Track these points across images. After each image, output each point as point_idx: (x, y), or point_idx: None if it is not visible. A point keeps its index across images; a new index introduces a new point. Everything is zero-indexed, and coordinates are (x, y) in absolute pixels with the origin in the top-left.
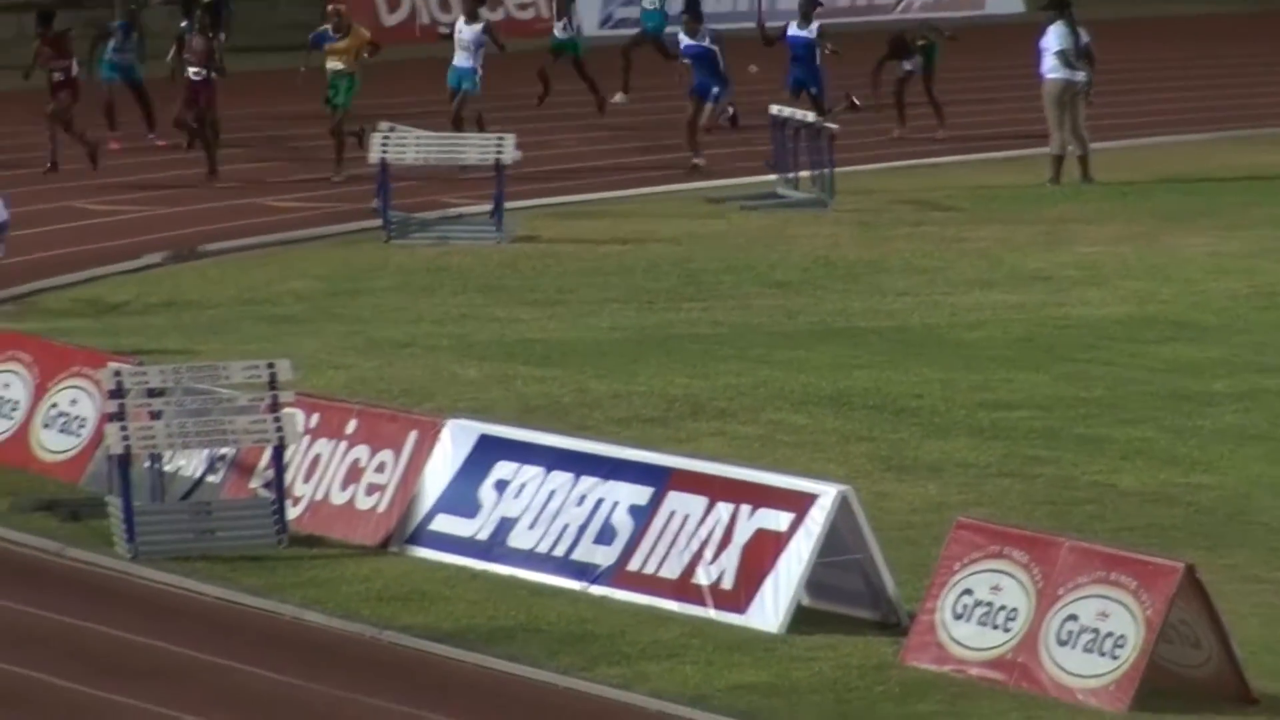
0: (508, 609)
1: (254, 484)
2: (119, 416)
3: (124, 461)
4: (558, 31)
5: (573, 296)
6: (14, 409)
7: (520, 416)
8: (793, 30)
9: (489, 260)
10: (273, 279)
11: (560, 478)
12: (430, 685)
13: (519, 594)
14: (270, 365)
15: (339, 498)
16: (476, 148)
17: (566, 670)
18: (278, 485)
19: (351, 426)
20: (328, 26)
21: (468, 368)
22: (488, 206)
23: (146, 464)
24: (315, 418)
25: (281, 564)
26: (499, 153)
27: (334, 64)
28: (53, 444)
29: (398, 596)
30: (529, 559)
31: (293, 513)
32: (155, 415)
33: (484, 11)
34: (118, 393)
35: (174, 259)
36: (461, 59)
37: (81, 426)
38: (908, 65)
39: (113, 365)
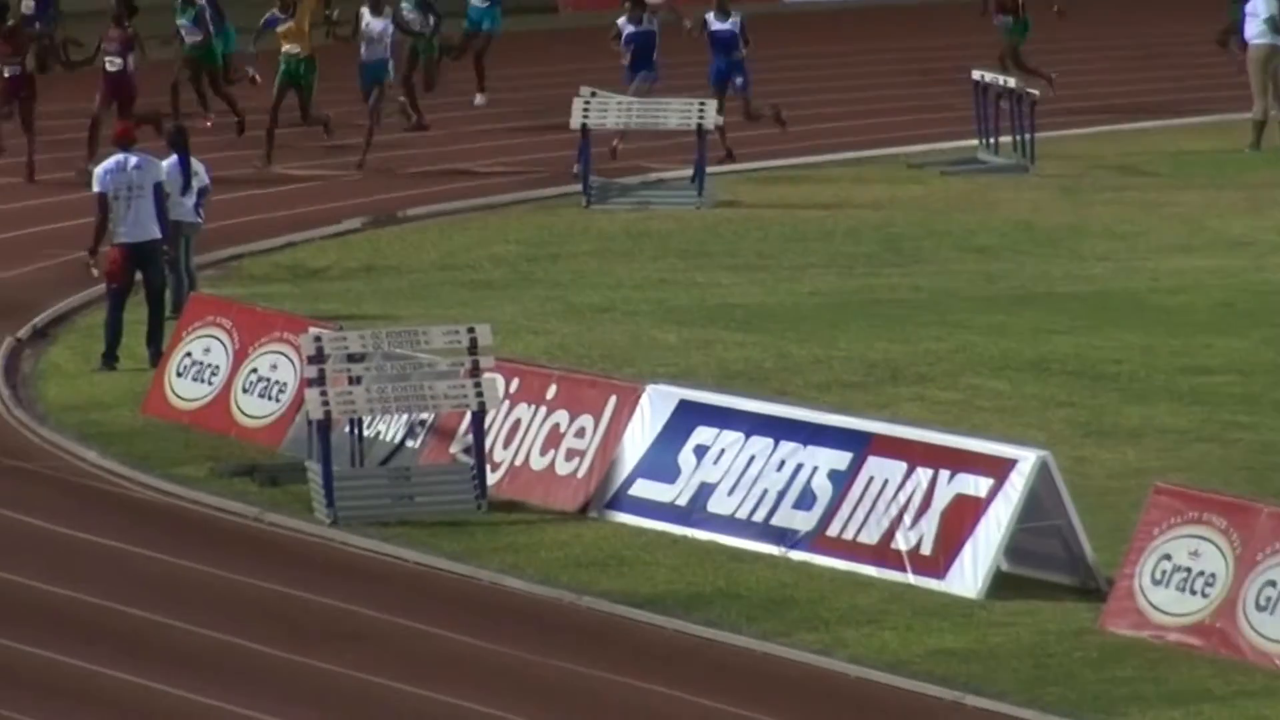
0: (706, 574)
1: (453, 449)
2: (319, 381)
3: (324, 426)
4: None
5: (773, 262)
6: (215, 374)
7: (720, 381)
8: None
9: (689, 225)
10: (472, 244)
11: (760, 443)
12: (628, 650)
13: (718, 559)
14: (470, 330)
15: (538, 463)
16: (678, 113)
17: (765, 636)
18: (477, 450)
19: (551, 391)
20: (274, 10)
21: (667, 333)
22: (688, 171)
23: (346, 429)
24: (515, 383)
25: (480, 529)
26: (700, 118)
27: (289, 47)
28: (253, 409)
29: (596, 562)
30: (728, 524)
31: (492, 478)
32: (355, 380)
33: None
34: (318, 358)
35: (374, 224)
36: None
37: (281, 392)
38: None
39: (313, 330)
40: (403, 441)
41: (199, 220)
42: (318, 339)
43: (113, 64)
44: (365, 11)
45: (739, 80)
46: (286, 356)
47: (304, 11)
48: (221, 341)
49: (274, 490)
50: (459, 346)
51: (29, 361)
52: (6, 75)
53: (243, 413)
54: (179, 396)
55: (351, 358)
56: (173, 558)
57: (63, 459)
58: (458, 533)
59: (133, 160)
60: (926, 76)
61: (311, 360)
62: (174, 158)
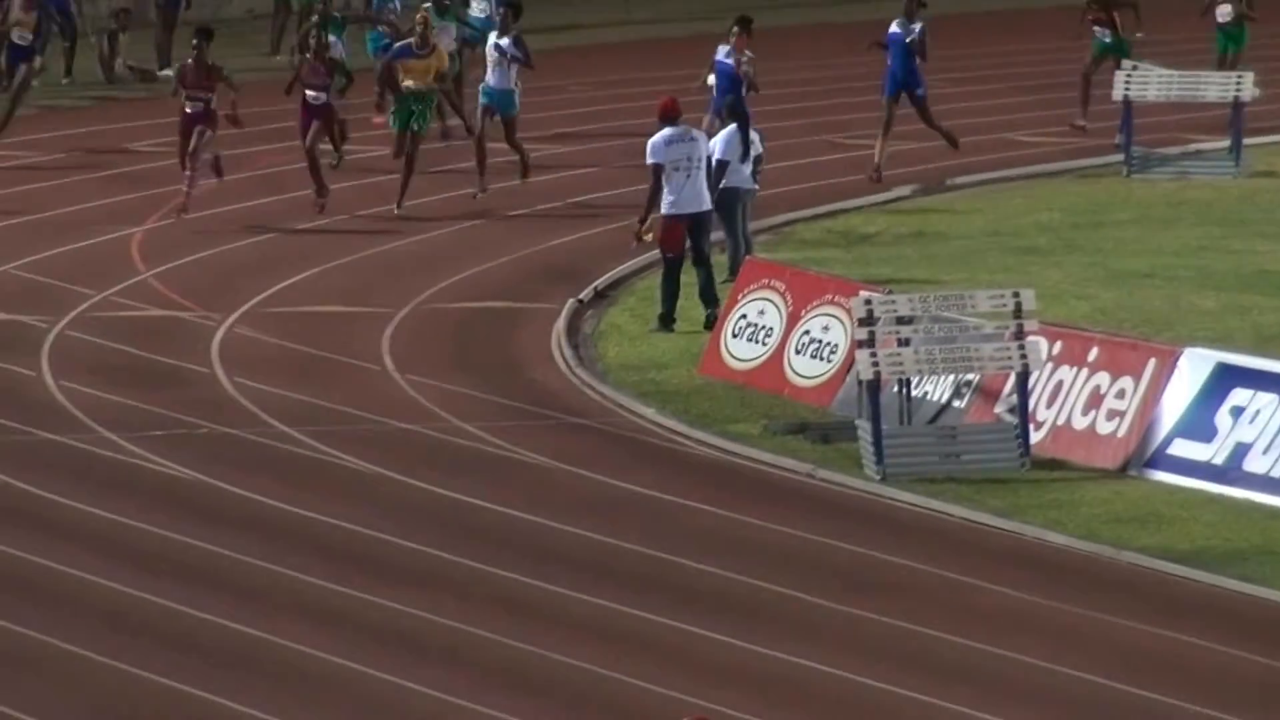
0: (1243, 532)
1: (997, 409)
2: (869, 343)
3: (874, 386)
4: None
5: None
6: (768, 335)
7: (1256, 346)
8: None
9: (1227, 194)
10: (1018, 212)
11: None
12: (1164, 604)
13: (1254, 517)
14: (1015, 294)
15: (1080, 423)
16: (1217, 86)
17: None
18: (1021, 410)
19: (1093, 354)
20: (411, 40)
21: (1205, 298)
22: (1226, 142)
23: (895, 389)
24: (1057, 345)
25: (1024, 486)
26: (1238, 90)
27: (411, 83)
28: (804, 369)
29: (1135, 518)
30: (1265, 483)
31: (1035, 437)
32: (904, 342)
33: None
34: (868, 320)
35: (922, 192)
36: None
37: (833, 353)
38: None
39: (863, 294)
40: (949, 401)
41: (755, 187)
42: (868, 302)
43: (315, 98)
44: (491, 35)
45: (919, 91)
46: (838, 319)
47: (439, 60)
48: (775, 304)
49: (825, 448)
50: (1004, 310)
51: (589, 322)
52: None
53: (795, 372)
54: (734, 356)
55: (900, 320)
56: (728, 512)
57: (622, 416)
58: (1002, 489)
59: (692, 133)
60: None
61: (862, 323)
62: (732, 126)
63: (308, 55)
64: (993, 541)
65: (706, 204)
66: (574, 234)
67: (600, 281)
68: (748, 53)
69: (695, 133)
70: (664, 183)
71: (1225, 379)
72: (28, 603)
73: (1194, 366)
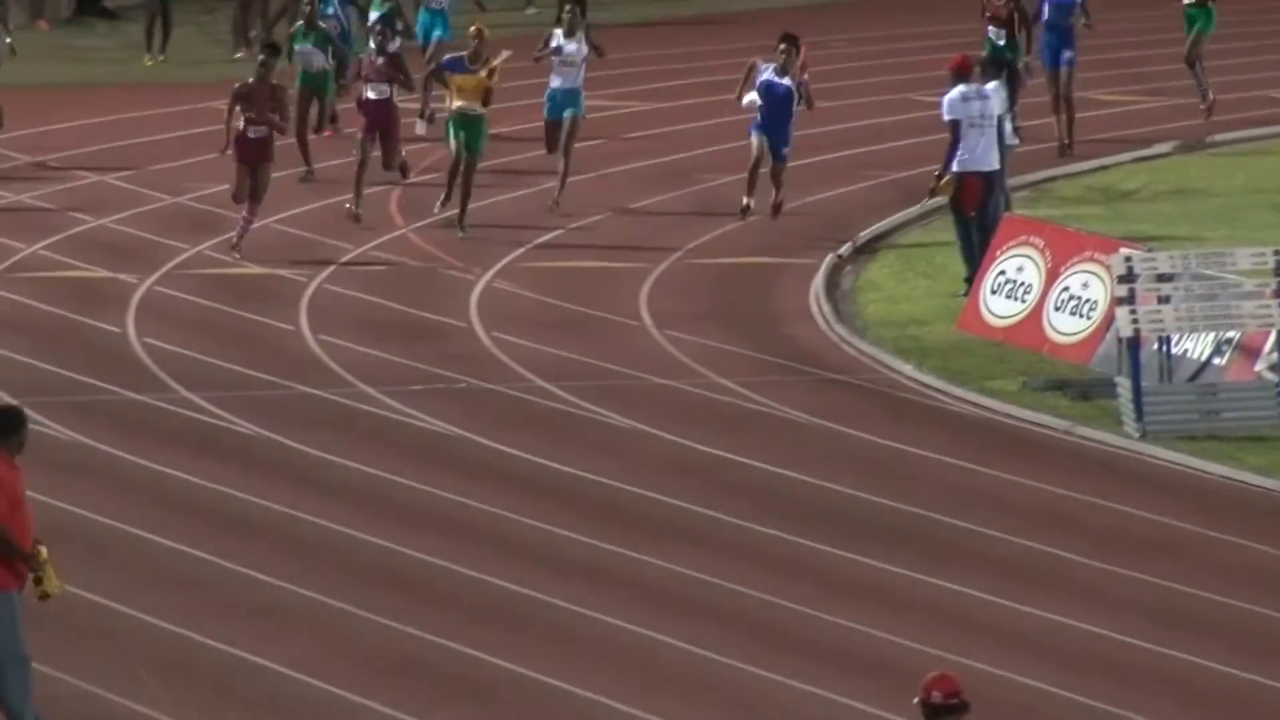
0: None
1: (1258, 366)
2: (1128, 300)
3: (1134, 343)
4: None
5: None
6: (1027, 292)
7: None
8: None
9: None
10: (1278, 169)
11: None
12: None
13: None
14: (1276, 252)
15: None
16: None
17: None
18: None
19: None
20: (464, 54)
21: None
22: None
23: (1155, 346)
24: None
25: None
26: None
27: (463, 102)
28: (1064, 326)
29: None
30: None
31: None
32: (1163, 300)
33: None
34: (1128, 277)
35: (1183, 148)
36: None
37: (1092, 310)
38: None
39: (1123, 251)
40: (1209, 359)
41: (1016, 142)
42: (1128, 259)
43: (378, 91)
44: (557, 33)
45: (1067, 55)
46: (1097, 275)
47: (491, 76)
48: (1034, 260)
49: (1084, 405)
50: (1265, 267)
51: (849, 278)
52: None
53: (1054, 329)
54: (993, 313)
55: (1161, 278)
56: (985, 469)
57: (880, 372)
58: (1262, 447)
59: (985, 89)
60: None
61: (1122, 280)
62: (995, 83)
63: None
64: (1253, 500)
65: (994, 163)
66: (834, 189)
67: (860, 237)
68: (805, 75)
69: (988, 89)
70: (961, 138)
71: None
72: (290, 556)
73: None
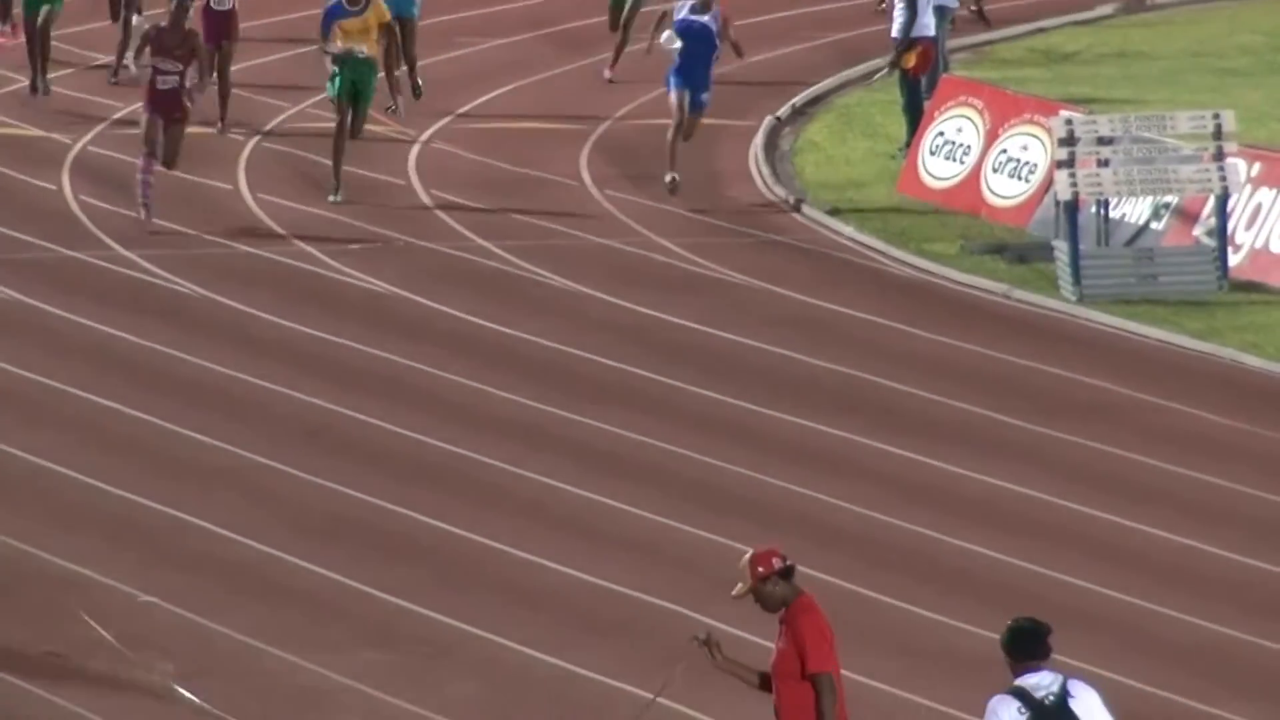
0: None
1: (1196, 231)
2: (1068, 164)
3: (1072, 207)
4: None
5: None
6: (966, 154)
7: None
8: None
9: None
10: (1220, 33)
11: None
12: None
13: None
14: (1216, 116)
15: (1279, 246)
16: None
17: None
18: (1220, 233)
19: None
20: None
21: None
22: None
23: (1093, 210)
24: (1257, 167)
25: (1221, 309)
26: None
27: (354, 45)
28: (1002, 189)
29: None
30: None
31: (1233, 259)
32: (1103, 163)
33: None
34: (1068, 140)
35: (1125, 10)
36: None
37: (1031, 173)
38: None
39: (1064, 113)
40: (1147, 223)
41: (955, 4)
42: (1069, 122)
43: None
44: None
45: None
46: (1037, 138)
47: (377, 14)
48: (973, 122)
49: (1022, 268)
50: (1204, 132)
51: (787, 139)
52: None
53: (992, 192)
54: (932, 175)
55: (1100, 141)
56: (923, 332)
57: (819, 234)
58: (1199, 312)
59: None
60: None
61: (1062, 142)
62: None
63: None
64: (1189, 364)
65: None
66: (774, 50)
67: (799, 98)
68: (730, 30)
69: None
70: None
71: None
72: (225, 415)
73: None
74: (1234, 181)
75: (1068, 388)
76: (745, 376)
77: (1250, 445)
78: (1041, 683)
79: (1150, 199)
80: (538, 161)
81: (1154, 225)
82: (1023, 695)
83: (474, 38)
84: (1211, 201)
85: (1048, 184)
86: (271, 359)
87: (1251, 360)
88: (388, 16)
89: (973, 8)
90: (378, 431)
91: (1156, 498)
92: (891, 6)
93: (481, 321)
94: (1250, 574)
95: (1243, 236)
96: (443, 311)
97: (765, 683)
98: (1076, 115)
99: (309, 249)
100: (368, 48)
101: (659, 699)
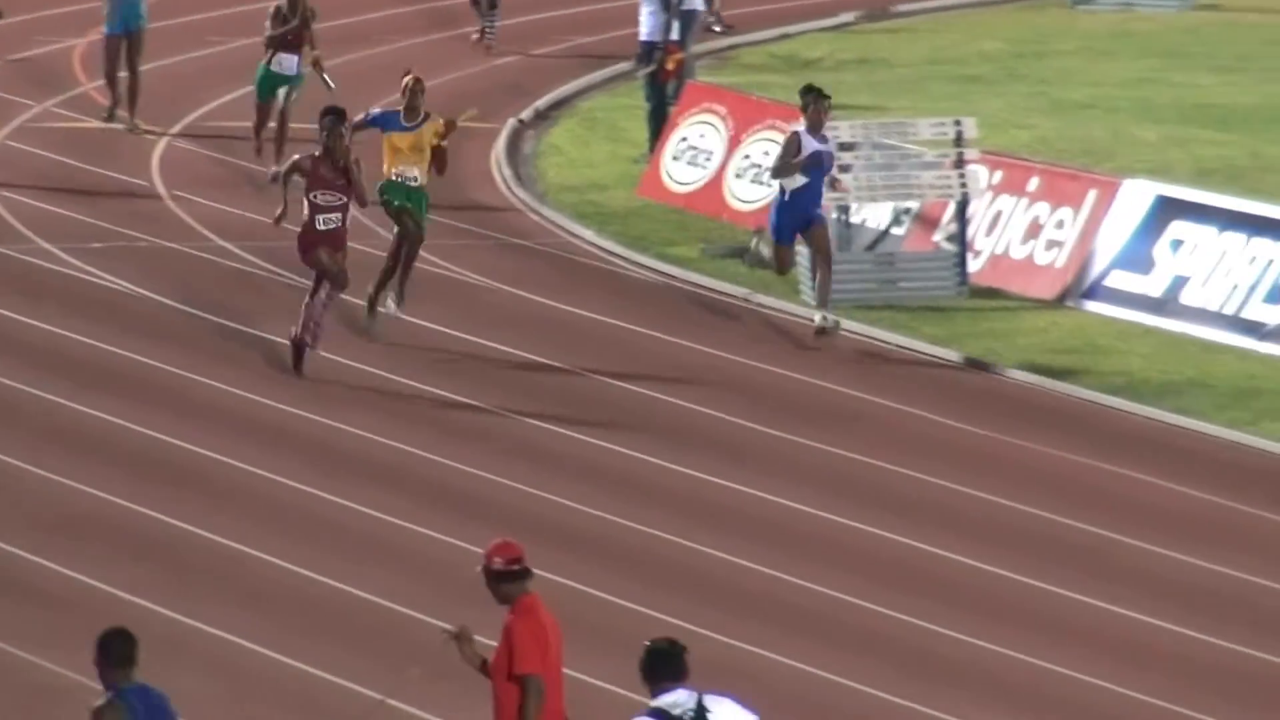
0: (1178, 364)
1: (937, 237)
2: None
3: None
4: None
5: (1251, 64)
6: (709, 159)
7: (1196, 179)
8: None
9: (1171, 26)
10: (961, 40)
11: (1233, 238)
12: (1098, 436)
13: (1189, 350)
14: (957, 123)
15: (1018, 252)
16: None
17: (1232, 424)
18: (960, 239)
19: (1033, 184)
20: (399, 109)
21: (1146, 130)
22: None
23: (835, 215)
24: (998, 174)
25: (961, 315)
26: None
27: (405, 167)
28: (744, 193)
29: (1071, 349)
30: (1201, 316)
31: (973, 265)
32: (844, 169)
33: None
34: None
35: (867, 18)
36: None
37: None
38: None
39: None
40: (888, 229)
41: (701, 8)
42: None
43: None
44: None
45: None
46: (779, 144)
47: (434, 128)
48: (716, 128)
49: (763, 272)
50: (945, 138)
51: (530, 142)
52: None
53: (735, 196)
54: (674, 179)
55: (842, 147)
56: (664, 334)
57: (560, 237)
58: (939, 317)
59: None
60: None
61: None
62: None
63: None
64: (927, 370)
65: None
66: (520, 53)
67: (542, 102)
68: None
69: None
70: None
71: (1165, 211)
72: None
73: (1134, 198)
74: (974, 188)
75: (806, 392)
76: (484, 379)
77: (987, 450)
78: (678, 700)
79: (891, 205)
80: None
81: (895, 231)
82: (661, 715)
83: (223, 36)
84: (952, 208)
85: None
86: (6, 355)
87: (991, 366)
88: (444, 128)
89: (710, 16)
90: (113, 429)
91: (888, 502)
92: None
93: (223, 321)
94: (981, 577)
95: (983, 243)
96: (182, 310)
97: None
98: None
99: (49, 247)
100: (420, 172)
101: (389, 701)
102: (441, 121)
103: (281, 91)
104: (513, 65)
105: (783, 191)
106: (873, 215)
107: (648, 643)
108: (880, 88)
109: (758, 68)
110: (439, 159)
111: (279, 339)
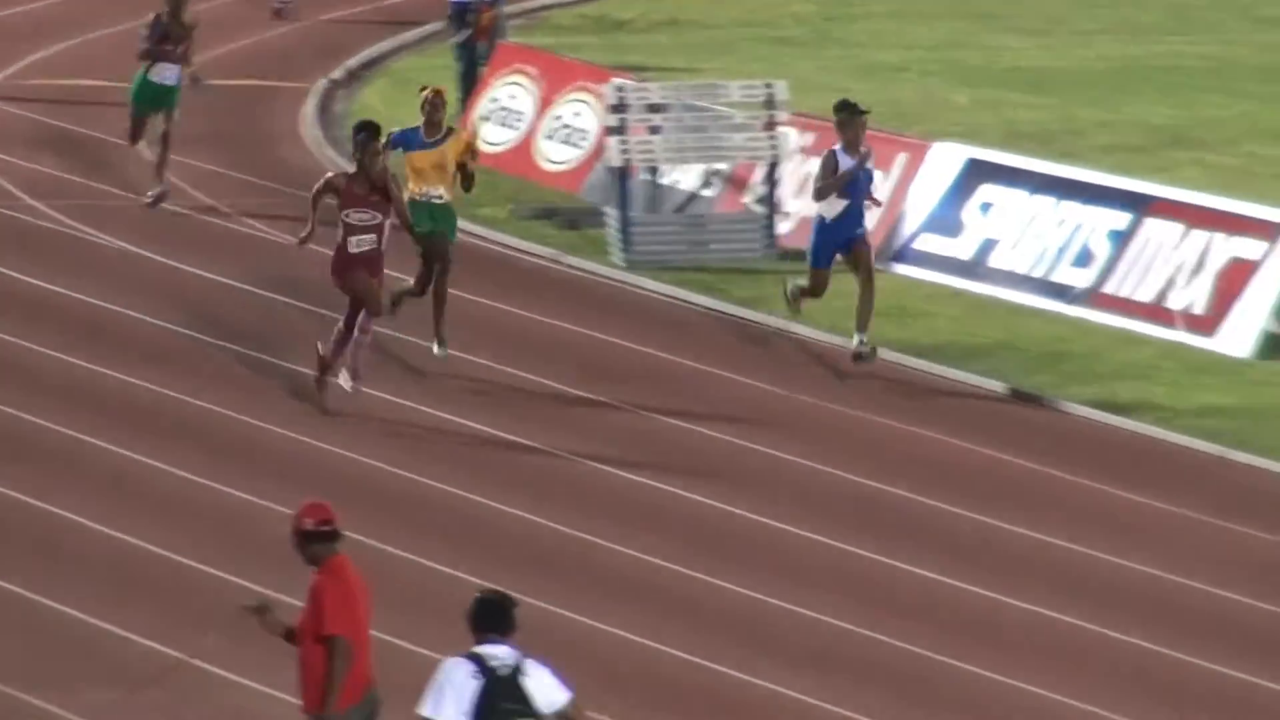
0: (987, 327)
1: (746, 199)
2: (619, 130)
3: (622, 174)
4: None
5: (1061, 26)
6: (519, 120)
7: (1006, 142)
8: None
9: None
10: (773, 2)
11: (1043, 202)
12: (908, 397)
13: (998, 313)
14: (768, 85)
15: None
16: None
17: (1040, 388)
18: (769, 200)
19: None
20: (419, 125)
21: (957, 93)
22: None
23: (644, 177)
24: (809, 136)
25: (770, 277)
26: None
27: (429, 187)
28: (555, 155)
29: (881, 312)
30: (1009, 279)
31: (783, 227)
32: (654, 130)
33: None
34: (619, 107)
35: None
36: None
37: (583, 139)
38: None
39: (615, 80)
40: (698, 190)
41: None
42: (620, 89)
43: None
44: None
45: None
46: (589, 105)
47: (458, 145)
48: (527, 89)
49: (572, 234)
50: (756, 101)
51: (342, 103)
52: None
53: (545, 158)
54: (485, 140)
55: (652, 108)
56: (473, 296)
57: None
58: (747, 279)
59: None
60: None
61: (613, 109)
62: None
63: None
64: (736, 331)
65: None
66: (330, 13)
67: (353, 61)
68: None
69: None
70: None
71: (974, 174)
72: None
73: (944, 161)
74: (785, 150)
75: (617, 354)
76: (291, 338)
77: (797, 413)
78: (498, 654)
79: (701, 166)
80: (89, 120)
81: (705, 192)
82: (479, 661)
83: None
84: (762, 170)
85: (599, 150)
86: None
87: (799, 329)
88: (469, 137)
89: None
90: None
91: (698, 462)
92: None
93: (33, 281)
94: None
95: (793, 205)
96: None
97: (293, 637)
98: (628, 82)
99: None
100: (444, 189)
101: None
102: (465, 138)
103: (162, 113)
104: (324, 24)
105: (821, 219)
106: (683, 177)
107: (479, 593)
108: (692, 49)
109: (569, 29)
110: (466, 177)
111: (86, 297)
